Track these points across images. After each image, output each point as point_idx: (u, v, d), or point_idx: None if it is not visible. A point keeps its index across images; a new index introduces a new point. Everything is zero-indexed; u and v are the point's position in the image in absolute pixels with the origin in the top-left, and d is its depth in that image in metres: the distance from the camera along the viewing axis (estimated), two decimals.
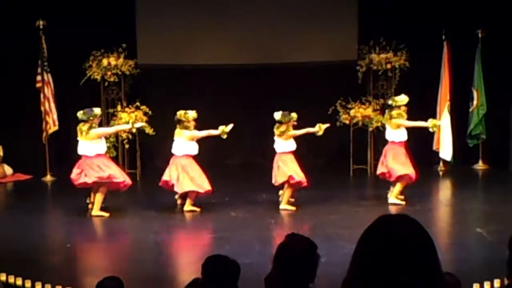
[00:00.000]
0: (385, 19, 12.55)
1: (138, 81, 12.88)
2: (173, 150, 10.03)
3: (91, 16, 12.70)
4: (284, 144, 10.05)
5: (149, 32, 12.78)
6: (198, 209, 9.97)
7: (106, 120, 12.26)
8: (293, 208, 9.98)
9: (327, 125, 10.26)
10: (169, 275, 7.46)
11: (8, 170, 12.67)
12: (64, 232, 9.46)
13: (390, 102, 10.34)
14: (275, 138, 10.08)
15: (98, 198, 9.85)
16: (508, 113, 12.33)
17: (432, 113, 12.53)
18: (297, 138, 10.18)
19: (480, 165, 12.86)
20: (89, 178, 9.71)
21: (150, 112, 11.96)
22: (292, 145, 10.10)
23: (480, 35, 12.50)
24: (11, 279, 6.86)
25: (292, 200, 10.13)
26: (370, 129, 12.33)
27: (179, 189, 9.93)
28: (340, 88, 12.43)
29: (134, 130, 11.24)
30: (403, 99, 10.19)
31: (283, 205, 10.03)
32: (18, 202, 11.37)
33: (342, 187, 11.48)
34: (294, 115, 10.05)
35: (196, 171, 9.96)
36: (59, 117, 12.51)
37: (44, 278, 6.89)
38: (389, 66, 12.40)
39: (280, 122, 10.02)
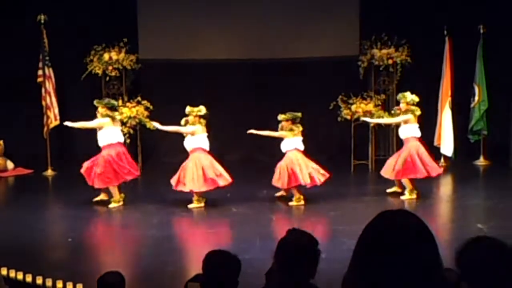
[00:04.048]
0: (386, 15, 12.55)
1: (139, 76, 12.88)
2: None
3: (92, 11, 12.70)
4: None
5: (151, 27, 12.77)
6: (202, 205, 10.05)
7: None
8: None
9: None
10: (170, 270, 7.45)
11: (9, 164, 12.67)
12: (65, 227, 9.47)
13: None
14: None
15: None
16: (509, 109, 12.31)
17: (433, 109, 12.54)
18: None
19: (481, 161, 12.85)
20: None
21: (151, 107, 11.95)
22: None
23: (481, 31, 12.48)
24: (12, 273, 6.87)
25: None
26: (371, 124, 12.31)
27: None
28: (341, 83, 12.42)
29: None
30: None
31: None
32: (19, 196, 11.36)
33: (343, 183, 11.45)
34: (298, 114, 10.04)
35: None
36: (60, 112, 12.52)
37: (45, 273, 6.90)
38: (390, 61, 12.40)
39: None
